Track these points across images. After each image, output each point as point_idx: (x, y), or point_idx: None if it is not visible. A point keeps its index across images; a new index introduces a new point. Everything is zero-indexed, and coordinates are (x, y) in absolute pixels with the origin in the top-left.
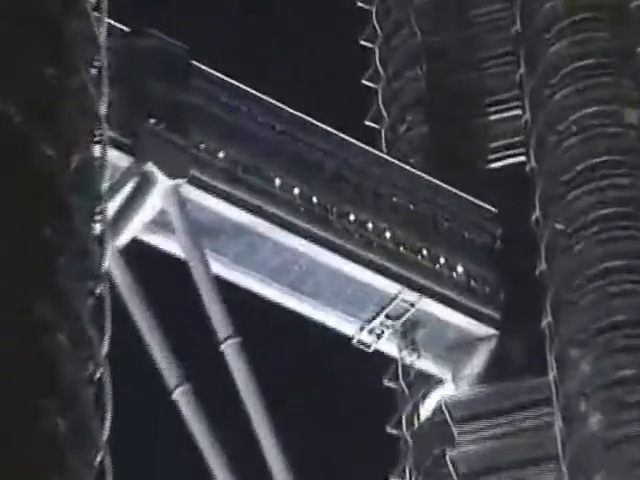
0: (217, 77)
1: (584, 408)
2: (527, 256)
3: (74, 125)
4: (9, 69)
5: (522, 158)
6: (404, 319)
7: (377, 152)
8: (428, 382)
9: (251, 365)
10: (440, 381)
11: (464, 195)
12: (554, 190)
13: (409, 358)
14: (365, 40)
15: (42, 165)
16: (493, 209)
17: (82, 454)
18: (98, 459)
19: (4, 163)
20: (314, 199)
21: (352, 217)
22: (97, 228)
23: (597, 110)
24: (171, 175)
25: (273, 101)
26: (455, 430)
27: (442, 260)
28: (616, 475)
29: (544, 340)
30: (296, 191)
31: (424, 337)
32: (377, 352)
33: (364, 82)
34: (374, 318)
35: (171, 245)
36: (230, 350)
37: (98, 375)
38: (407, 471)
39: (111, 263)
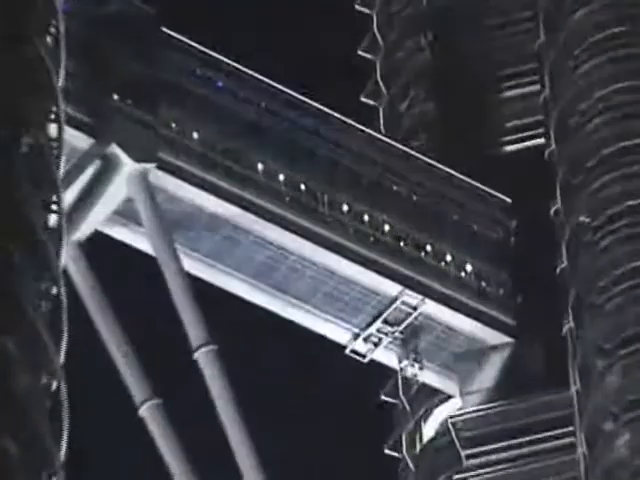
0: (191, 47)
1: (611, 428)
2: (546, 253)
3: (25, 101)
4: None
5: (540, 140)
6: (405, 325)
7: (374, 133)
8: (432, 397)
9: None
10: (446, 396)
11: (474, 183)
12: (577, 177)
13: (410, 370)
14: (361, 5)
15: None
16: (507, 199)
17: (35, 477)
18: None
19: None
20: (302, 187)
21: (345, 208)
22: (52, 220)
23: (628, 85)
24: (138, 159)
25: (256, 74)
26: (463, 453)
27: (448, 257)
28: None
29: (565, 349)
30: (281, 177)
31: (427, 346)
32: (374, 363)
33: (360, 53)
34: (370, 324)
35: (138, 239)
36: (204, 359)
37: (54, 386)
38: None
39: (68, 260)
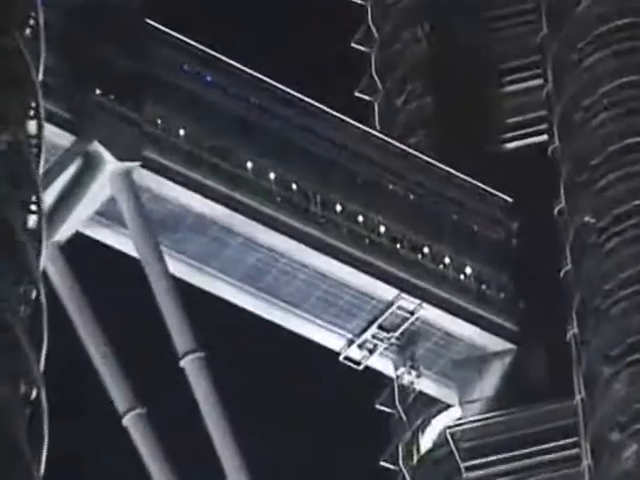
0: (178, 40)
1: (617, 438)
2: (549, 255)
3: (3, 97)
4: None
5: (543, 137)
6: (401, 331)
7: (369, 129)
8: (430, 406)
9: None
10: (444, 405)
11: (474, 182)
12: (581, 176)
13: (407, 377)
14: None
15: None
16: (509, 198)
17: None
18: None
19: None
20: (293, 186)
21: (339, 208)
22: (31, 221)
23: (635, 79)
24: (121, 157)
25: (245, 69)
26: (462, 465)
27: (447, 260)
28: None
29: (569, 355)
30: (272, 176)
31: (425, 352)
32: (369, 370)
33: (354, 45)
34: (365, 330)
35: (121, 241)
36: (191, 366)
37: (34, 395)
38: None
39: (49, 263)
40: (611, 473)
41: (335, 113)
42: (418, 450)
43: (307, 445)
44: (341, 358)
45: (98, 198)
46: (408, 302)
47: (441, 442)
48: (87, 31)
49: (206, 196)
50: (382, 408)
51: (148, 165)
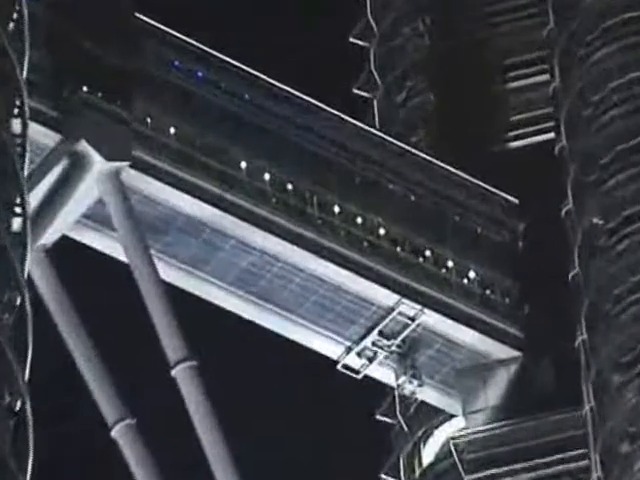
0: (169, 35)
1: (628, 449)
2: (556, 258)
3: None
4: None
5: (550, 135)
6: (402, 338)
7: (368, 127)
8: (432, 417)
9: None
10: (447, 415)
11: (477, 182)
12: (590, 175)
13: (409, 387)
14: None
15: None
16: (514, 199)
17: None
18: None
19: None
20: (289, 186)
21: (337, 209)
22: (16, 223)
23: None
24: (109, 157)
25: (239, 64)
26: (466, 478)
27: (450, 263)
28: None
29: (577, 363)
30: (266, 177)
31: (427, 360)
32: (368, 378)
33: (352, 40)
34: (364, 337)
35: (109, 244)
36: (183, 375)
37: (18, 406)
38: None
39: (34, 268)
40: None
41: (332, 110)
42: (420, 462)
43: (303, 457)
44: (339, 366)
45: (85, 200)
46: (409, 308)
47: (444, 454)
48: (74, 26)
49: (198, 197)
50: (383, 419)
51: (137, 165)
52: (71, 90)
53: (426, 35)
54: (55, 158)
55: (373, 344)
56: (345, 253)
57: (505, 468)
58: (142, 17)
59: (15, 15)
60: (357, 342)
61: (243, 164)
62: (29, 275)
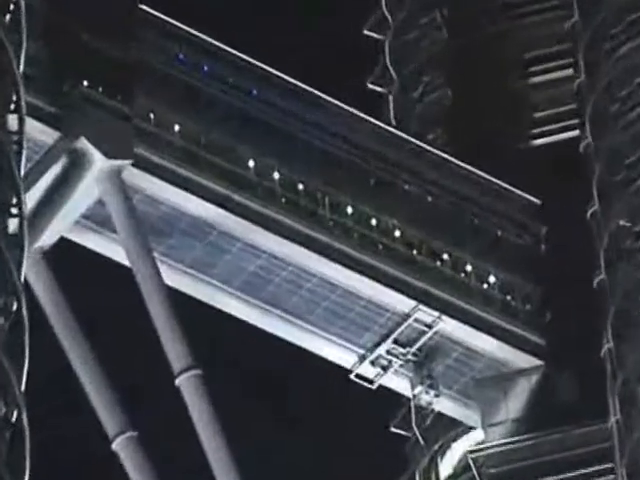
0: (173, 26)
1: None
2: (580, 262)
3: None
4: None
5: (575, 133)
6: (418, 346)
7: (382, 124)
8: (450, 429)
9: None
10: (465, 428)
11: (498, 181)
12: (616, 175)
13: (425, 397)
14: None
15: None
16: (536, 200)
17: None
18: None
19: None
20: (299, 186)
21: (349, 210)
22: (12, 225)
23: None
24: (110, 155)
25: (247, 58)
26: None
27: (469, 268)
28: None
29: (603, 373)
30: (276, 176)
31: (444, 370)
32: (383, 388)
33: (366, 32)
34: (378, 345)
35: (110, 247)
36: (187, 384)
37: (14, 416)
38: None
39: (31, 271)
40: None
41: (345, 106)
42: (437, 477)
43: (310, 468)
44: (352, 376)
45: (85, 200)
46: (426, 314)
47: (462, 468)
48: (73, 17)
49: (203, 198)
50: (398, 431)
51: (140, 164)
52: (70, 85)
53: (444, 27)
54: (53, 156)
55: (388, 352)
56: (358, 257)
57: None
58: (145, 8)
59: (12, 6)
60: (371, 350)
61: (251, 163)
62: (26, 279)
